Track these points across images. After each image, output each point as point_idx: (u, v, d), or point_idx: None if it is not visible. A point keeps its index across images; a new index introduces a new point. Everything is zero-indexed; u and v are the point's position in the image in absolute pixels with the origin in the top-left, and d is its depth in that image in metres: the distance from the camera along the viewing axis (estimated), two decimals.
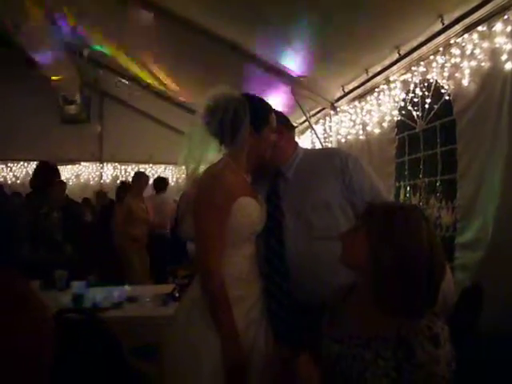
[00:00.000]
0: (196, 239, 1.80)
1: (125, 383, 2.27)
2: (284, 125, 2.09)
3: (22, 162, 9.91)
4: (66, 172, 10.17)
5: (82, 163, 10.30)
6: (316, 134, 5.55)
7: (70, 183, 10.10)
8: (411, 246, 1.28)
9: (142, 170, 10.14)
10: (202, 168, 1.85)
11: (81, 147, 9.87)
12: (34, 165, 9.67)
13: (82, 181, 10.26)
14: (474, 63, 3.03)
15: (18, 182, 9.82)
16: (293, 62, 4.66)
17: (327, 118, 5.57)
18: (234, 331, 1.66)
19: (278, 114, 2.08)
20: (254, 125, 1.83)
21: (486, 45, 2.92)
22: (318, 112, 5.66)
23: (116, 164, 10.37)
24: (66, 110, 9.03)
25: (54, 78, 6.85)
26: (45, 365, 1.38)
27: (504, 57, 2.74)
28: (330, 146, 5.42)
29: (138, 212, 5.86)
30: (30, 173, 9.61)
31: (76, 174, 10.26)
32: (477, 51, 2.99)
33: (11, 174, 9.92)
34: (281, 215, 1.97)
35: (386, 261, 1.29)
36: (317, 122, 5.80)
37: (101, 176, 10.35)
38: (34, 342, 1.29)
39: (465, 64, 3.10)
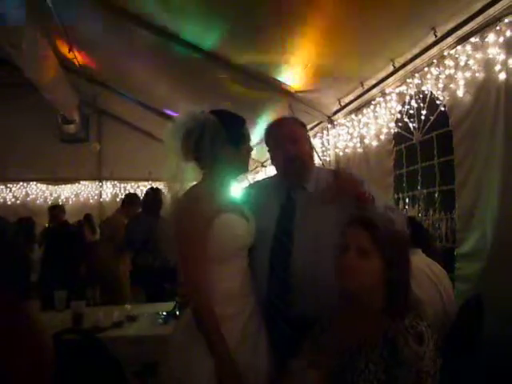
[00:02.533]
0: (179, 262, 1.79)
1: None
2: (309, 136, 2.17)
3: (21, 183, 9.91)
4: (66, 191, 10.19)
5: (81, 182, 10.31)
6: (314, 147, 5.55)
7: (70, 202, 10.11)
8: (409, 263, 1.52)
9: (141, 187, 10.20)
10: (186, 187, 1.85)
11: (80, 166, 9.88)
12: (33, 185, 9.83)
13: (81, 200, 10.25)
14: (468, 74, 3.04)
15: (18, 202, 9.82)
16: (289, 76, 4.69)
17: (325, 132, 5.58)
18: (225, 350, 1.65)
19: (304, 125, 2.22)
20: (232, 143, 1.86)
21: (479, 56, 2.94)
22: (316, 126, 5.68)
23: (115, 182, 10.37)
24: (65, 129, 9.06)
25: (52, 97, 6.87)
26: None
27: (497, 67, 2.76)
28: (328, 159, 5.44)
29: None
30: (30, 193, 9.74)
31: (75, 193, 10.26)
32: (470, 62, 3.01)
33: (11, 194, 9.91)
34: (291, 225, 1.97)
35: (398, 278, 1.47)
36: (314, 136, 5.82)
37: (100, 194, 10.34)
38: (33, 366, 1.27)
39: (459, 75, 3.12)
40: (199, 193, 1.81)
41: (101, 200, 10.32)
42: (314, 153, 5.18)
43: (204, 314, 1.68)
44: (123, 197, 6.69)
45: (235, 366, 1.65)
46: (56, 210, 6.69)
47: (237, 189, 2.15)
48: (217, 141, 1.79)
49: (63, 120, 8.70)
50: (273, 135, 2.11)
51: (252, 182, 2.64)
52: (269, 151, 2.12)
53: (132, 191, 10.22)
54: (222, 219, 1.77)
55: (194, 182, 1.89)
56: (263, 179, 2.52)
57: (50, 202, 9.87)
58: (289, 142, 2.00)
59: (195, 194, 1.81)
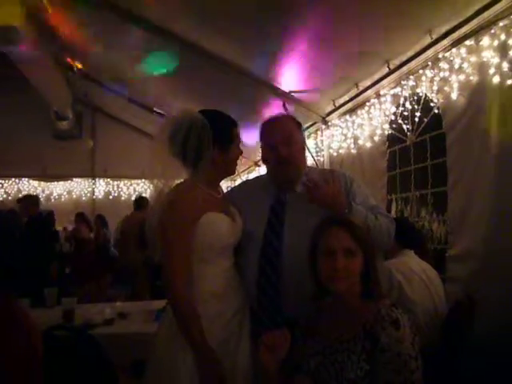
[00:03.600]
0: (162, 261, 1.79)
1: None
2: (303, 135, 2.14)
3: (13, 179, 9.87)
4: (58, 188, 10.15)
5: (74, 179, 10.27)
6: (308, 148, 5.56)
7: (62, 199, 10.08)
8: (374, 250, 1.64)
9: (134, 185, 10.20)
10: (170, 186, 1.85)
11: (72, 163, 9.85)
12: (25, 181, 9.78)
13: (74, 197, 10.22)
14: (462, 77, 3.06)
15: (10, 198, 9.76)
16: (284, 76, 4.70)
17: (319, 133, 5.59)
18: (206, 349, 1.66)
19: (300, 124, 2.13)
20: (219, 146, 1.85)
21: (473, 59, 2.95)
22: (310, 126, 5.68)
23: (108, 180, 10.35)
24: (58, 125, 9.01)
25: (45, 93, 6.84)
26: (34, 382, 1.36)
27: (492, 70, 2.77)
28: (322, 160, 5.45)
29: None
30: (22, 189, 9.70)
31: (68, 190, 10.22)
32: (465, 65, 3.02)
33: (2, 190, 9.87)
34: (281, 226, 1.96)
35: (371, 268, 1.55)
36: (308, 137, 5.82)
37: (93, 192, 10.31)
38: (23, 361, 1.27)
39: (453, 78, 3.13)
40: (184, 191, 1.81)
41: (93, 197, 10.28)
42: (308, 153, 5.22)
43: (184, 315, 1.69)
44: (135, 199, 6.89)
45: (217, 363, 1.66)
46: (25, 201, 5.98)
47: (225, 188, 2.15)
48: (203, 141, 1.79)
49: (56, 116, 8.66)
50: (267, 134, 2.05)
51: (242, 180, 2.64)
52: (261, 148, 2.08)
53: (125, 189, 10.23)
54: (206, 218, 1.78)
55: (180, 180, 1.89)
56: (252, 179, 2.51)
57: (42, 199, 9.85)
58: (282, 143, 1.95)
59: (180, 193, 1.81)
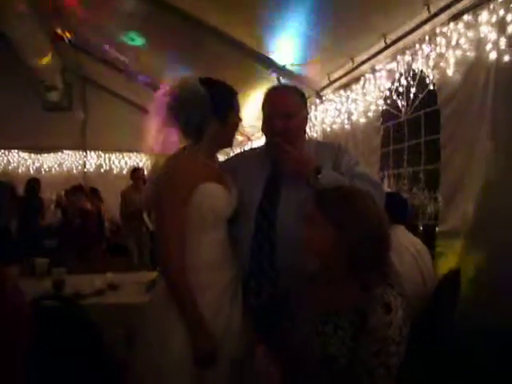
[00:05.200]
0: (155, 230, 1.79)
1: (103, 370, 2.25)
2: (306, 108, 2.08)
3: (2, 150, 9.75)
4: (49, 160, 10.04)
5: (65, 151, 10.16)
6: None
7: (53, 171, 9.99)
8: (369, 223, 1.42)
9: (126, 158, 10.11)
10: (167, 157, 1.84)
11: (63, 135, 9.70)
12: (15, 153, 9.65)
13: (65, 169, 10.13)
14: (458, 53, 3.02)
15: None
16: (278, 50, 4.63)
17: (312, 107, 5.53)
18: (199, 318, 1.67)
19: (304, 97, 2.07)
20: (219, 116, 1.83)
21: (471, 34, 2.91)
22: None
23: (100, 152, 10.25)
24: (48, 97, 8.87)
25: (34, 63, 6.69)
26: (19, 350, 1.36)
27: (488, 46, 2.74)
28: (315, 135, 5.41)
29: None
30: (11, 161, 9.58)
31: (59, 163, 10.12)
32: (462, 41, 2.98)
33: None
34: (277, 198, 1.95)
35: (355, 242, 1.40)
36: None
37: (84, 164, 10.22)
38: (9, 327, 1.26)
39: (450, 53, 3.10)
40: (182, 161, 1.80)
41: (85, 170, 10.20)
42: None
43: (176, 284, 1.70)
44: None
45: (209, 333, 1.67)
46: None
47: (222, 159, 2.13)
48: (202, 112, 1.77)
49: (45, 88, 8.52)
50: (266, 104, 2.00)
51: (237, 152, 2.61)
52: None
53: (117, 162, 10.17)
54: (203, 188, 1.77)
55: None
56: (249, 149, 2.49)
57: (32, 171, 9.77)
58: (280, 116, 1.91)
59: (178, 163, 1.80)
